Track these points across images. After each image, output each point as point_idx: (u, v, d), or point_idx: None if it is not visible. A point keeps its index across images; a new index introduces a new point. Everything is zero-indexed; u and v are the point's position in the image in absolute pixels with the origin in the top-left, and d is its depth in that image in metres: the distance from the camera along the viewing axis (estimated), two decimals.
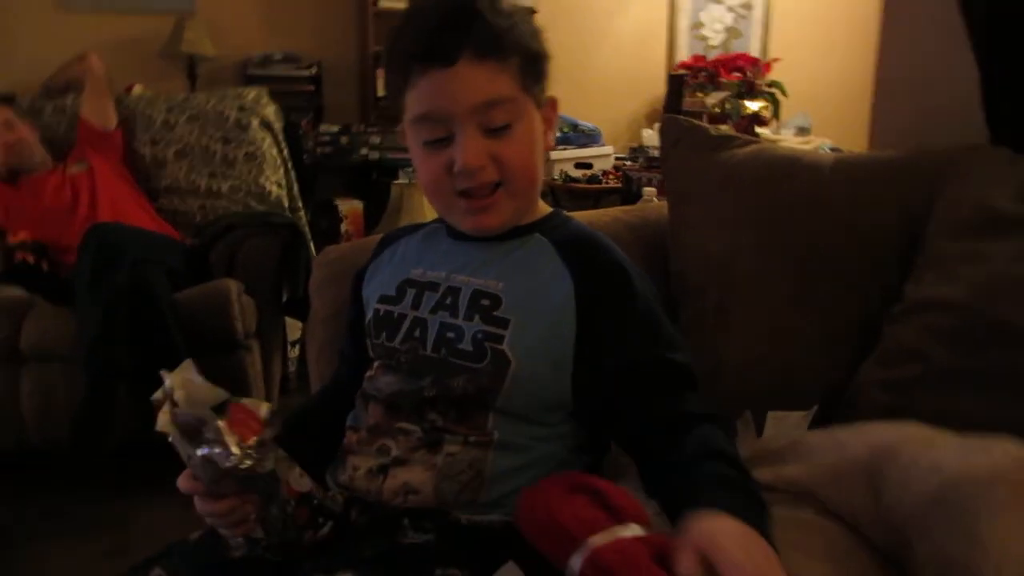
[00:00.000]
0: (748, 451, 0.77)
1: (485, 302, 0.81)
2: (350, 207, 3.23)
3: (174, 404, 0.71)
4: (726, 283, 1.14)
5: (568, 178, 3.56)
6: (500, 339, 0.78)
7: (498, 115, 0.79)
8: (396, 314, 0.86)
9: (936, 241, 0.95)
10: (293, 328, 2.61)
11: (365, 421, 0.85)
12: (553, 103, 0.89)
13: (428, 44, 0.78)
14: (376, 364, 0.87)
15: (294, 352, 2.66)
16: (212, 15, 3.38)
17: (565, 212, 0.96)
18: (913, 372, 0.86)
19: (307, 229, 2.71)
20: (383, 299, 0.89)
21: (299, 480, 0.76)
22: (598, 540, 0.59)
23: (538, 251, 0.85)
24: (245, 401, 0.73)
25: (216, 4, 3.41)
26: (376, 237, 1.05)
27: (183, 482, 0.74)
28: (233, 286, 2.16)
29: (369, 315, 0.90)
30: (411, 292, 0.87)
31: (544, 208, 0.92)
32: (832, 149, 3.88)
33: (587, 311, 0.80)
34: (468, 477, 0.77)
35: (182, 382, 0.72)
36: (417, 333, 0.83)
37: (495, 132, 0.80)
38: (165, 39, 3.25)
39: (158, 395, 0.72)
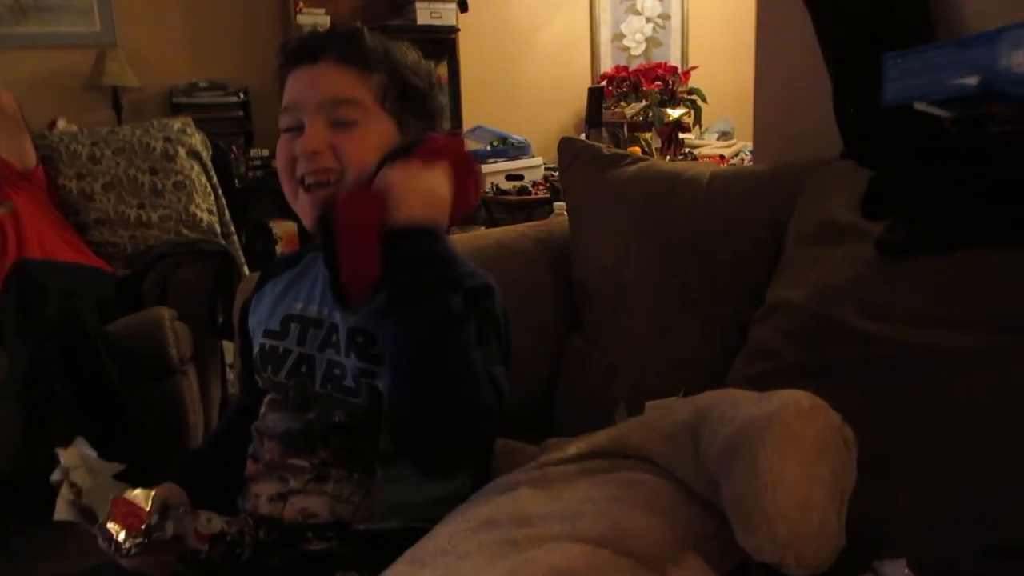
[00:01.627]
0: (606, 433, 0.86)
1: (360, 339, 0.86)
2: (284, 228, 3.28)
3: (72, 485, 0.78)
4: (617, 291, 1.25)
5: (499, 191, 3.66)
6: (374, 375, 0.84)
7: (345, 112, 0.86)
8: (281, 349, 0.91)
9: (790, 249, 1.06)
10: (231, 351, 2.64)
11: (262, 455, 0.90)
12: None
13: (300, 46, 0.89)
14: (266, 399, 0.92)
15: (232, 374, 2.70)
16: (134, 46, 3.40)
17: None
18: (768, 367, 0.97)
19: (240, 253, 2.74)
20: (267, 333, 0.94)
21: (207, 525, 0.82)
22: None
23: None
24: (129, 494, 0.79)
25: (138, 35, 3.43)
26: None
27: (101, 545, 0.79)
28: (166, 313, 2.19)
29: (256, 349, 0.95)
30: (295, 327, 0.92)
31: None
32: (753, 151, 4.06)
33: None
34: (359, 498, 0.85)
35: (78, 459, 0.78)
36: (304, 369, 0.89)
37: (340, 126, 0.86)
38: (87, 72, 3.26)
39: (56, 476, 0.78)
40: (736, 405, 0.75)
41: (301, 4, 3.52)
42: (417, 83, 0.92)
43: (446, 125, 3.90)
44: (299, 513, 0.85)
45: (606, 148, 1.43)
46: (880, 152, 1.02)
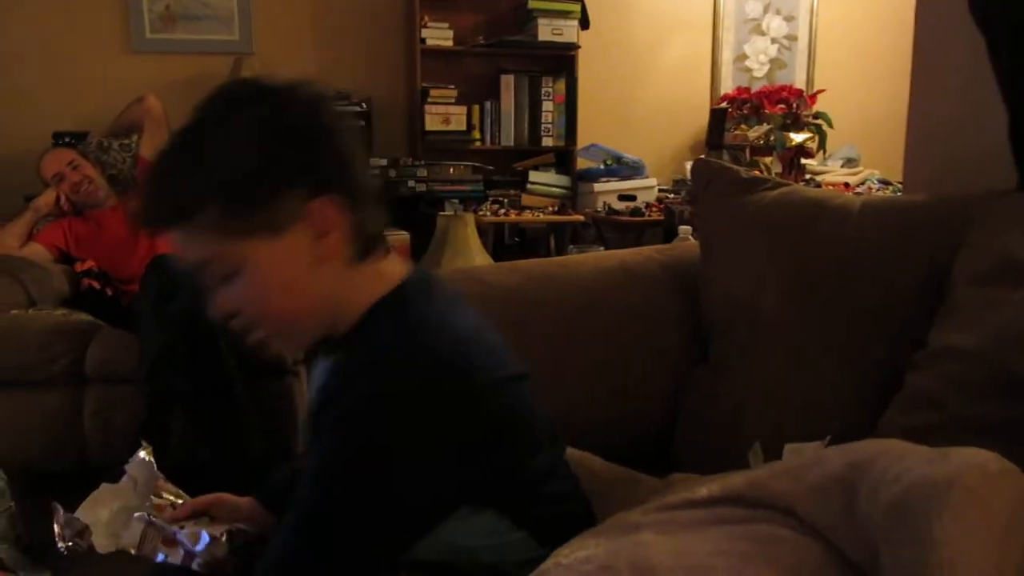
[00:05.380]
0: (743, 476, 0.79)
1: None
2: (397, 238, 3.31)
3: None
4: (751, 323, 1.17)
5: (611, 210, 3.60)
6: None
7: (211, 272, 0.74)
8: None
9: (957, 288, 0.97)
10: None
11: None
12: (323, 205, 0.74)
13: (142, 219, 0.77)
14: None
15: None
16: (268, 54, 3.54)
17: (392, 314, 0.78)
18: (932, 419, 0.88)
19: None
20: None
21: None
22: None
23: (321, 372, 0.81)
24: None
25: (272, 44, 3.57)
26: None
27: None
28: None
29: None
30: None
31: (368, 306, 0.78)
32: (881, 181, 3.86)
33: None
34: None
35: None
36: None
37: (226, 282, 0.74)
38: (224, 77, 3.42)
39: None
40: (903, 461, 0.66)
41: (426, 18, 3.58)
42: (254, 174, 0.71)
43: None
44: None
45: (744, 171, 1.36)
46: None
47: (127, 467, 0.92)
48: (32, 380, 2.12)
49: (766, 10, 4.38)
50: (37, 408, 2.14)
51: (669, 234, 3.18)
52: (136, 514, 0.86)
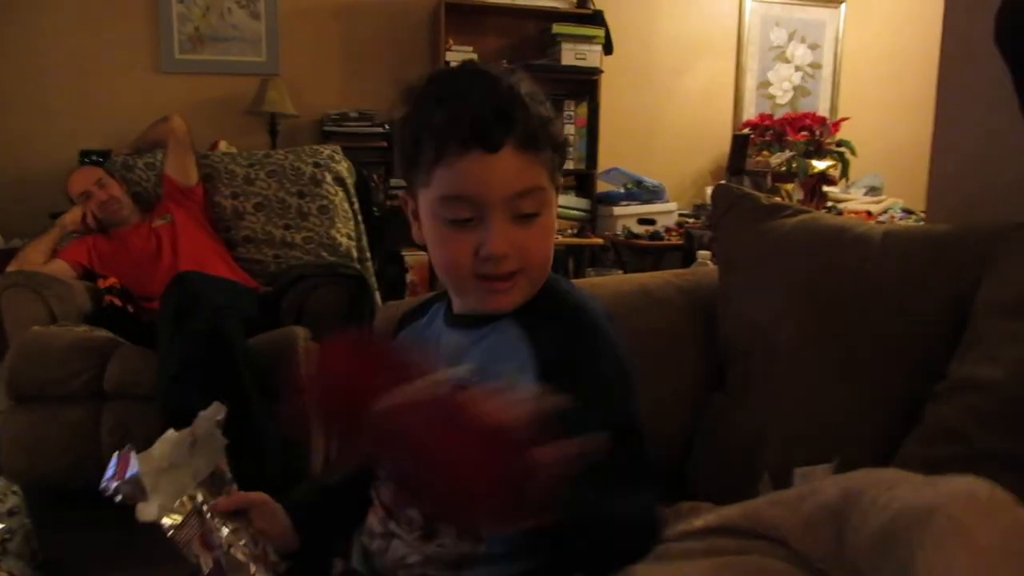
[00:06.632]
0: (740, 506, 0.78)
1: None
2: (416, 258, 3.33)
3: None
4: (770, 350, 1.16)
5: (631, 234, 3.60)
6: None
7: (528, 204, 0.79)
8: None
9: (981, 320, 0.95)
10: None
11: (380, 497, 0.88)
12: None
13: (474, 127, 0.76)
14: None
15: None
16: (293, 77, 3.59)
17: (563, 280, 0.92)
18: (953, 452, 0.86)
19: (374, 279, 2.81)
20: None
21: (228, 538, 0.82)
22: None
23: (506, 337, 0.83)
24: (136, 453, 0.83)
25: (297, 66, 3.63)
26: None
27: None
28: (301, 333, 2.25)
29: None
30: None
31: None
32: (904, 210, 3.82)
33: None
34: (454, 560, 0.80)
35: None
36: None
37: (522, 220, 0.79)
38: (250, 99, 3.47)
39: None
40: (893, 490, 0.63)
41: (451, 41, 3.62)
42: (561, 132, 0.84)
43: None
44: (398, 560, 0.83)
45: (765, 198, 1.35)
46: None
47: (197, 420, 0.88)
48: (52, 395, 2.14)
49: (791, 38, 4.39)
50: (56, 424, 2.15)
51: (688, 258, 3.17)
52: (189, 492, 0.82)
